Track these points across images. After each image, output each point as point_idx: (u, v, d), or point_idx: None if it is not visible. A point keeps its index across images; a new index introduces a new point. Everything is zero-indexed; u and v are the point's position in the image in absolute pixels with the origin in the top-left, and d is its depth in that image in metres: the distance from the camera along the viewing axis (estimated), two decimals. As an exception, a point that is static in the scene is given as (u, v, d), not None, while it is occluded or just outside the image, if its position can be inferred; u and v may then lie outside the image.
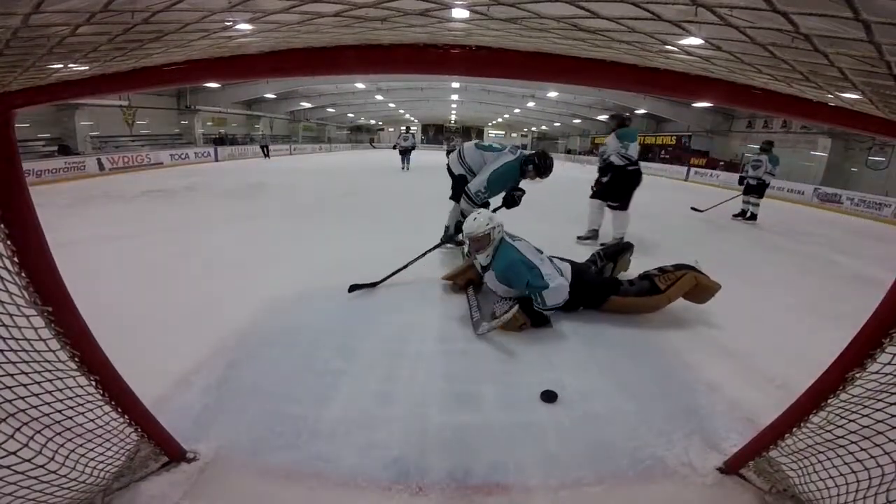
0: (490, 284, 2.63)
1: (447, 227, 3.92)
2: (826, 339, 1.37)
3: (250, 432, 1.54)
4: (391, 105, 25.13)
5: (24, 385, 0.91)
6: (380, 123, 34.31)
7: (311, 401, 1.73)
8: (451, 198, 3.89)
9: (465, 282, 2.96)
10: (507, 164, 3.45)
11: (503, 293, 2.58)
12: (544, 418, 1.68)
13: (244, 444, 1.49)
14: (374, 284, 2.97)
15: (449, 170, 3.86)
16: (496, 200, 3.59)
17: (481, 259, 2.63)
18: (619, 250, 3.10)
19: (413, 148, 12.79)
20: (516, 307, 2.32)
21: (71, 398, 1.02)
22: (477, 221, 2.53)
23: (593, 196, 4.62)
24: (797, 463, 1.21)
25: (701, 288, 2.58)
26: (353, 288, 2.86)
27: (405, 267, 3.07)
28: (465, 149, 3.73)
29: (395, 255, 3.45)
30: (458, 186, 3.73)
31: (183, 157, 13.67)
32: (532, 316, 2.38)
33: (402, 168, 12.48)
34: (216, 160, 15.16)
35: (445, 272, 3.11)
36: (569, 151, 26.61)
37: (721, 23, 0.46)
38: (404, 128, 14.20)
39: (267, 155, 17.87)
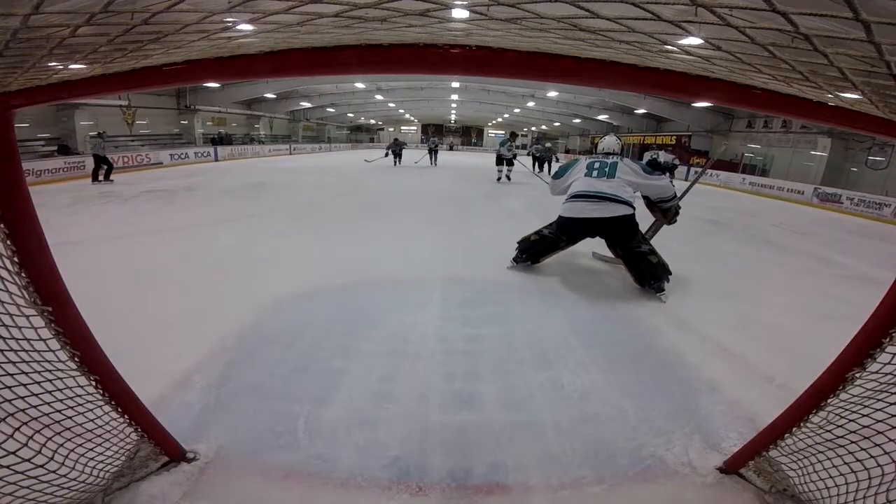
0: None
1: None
2: (826, 339, 1.37)
3: (250, 432, 1.54)
4: (391, 105, 25.10)
5: (24, 385, 0.91)
6: (380, 123, 34.31)
7: (311, 401, 1.73)
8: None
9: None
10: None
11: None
12: (544, 418, 1.68)
13: (244, 444, 1.49)
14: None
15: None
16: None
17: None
18: None
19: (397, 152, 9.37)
20: None
21: (71, 398, 1.02)
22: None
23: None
24: (797, 463, 1.21)
25: None
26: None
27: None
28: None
29: (396, 255, 3.45)
30: None
31: (183, 156, 13.65)
32: None
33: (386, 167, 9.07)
34: (216, 160, 15.15)
35: (446, 273, 3.08)
36: (567, 151, 26.68)
37: (721, 23, 0.46)
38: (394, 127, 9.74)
39: (100, 177, 8.40)
